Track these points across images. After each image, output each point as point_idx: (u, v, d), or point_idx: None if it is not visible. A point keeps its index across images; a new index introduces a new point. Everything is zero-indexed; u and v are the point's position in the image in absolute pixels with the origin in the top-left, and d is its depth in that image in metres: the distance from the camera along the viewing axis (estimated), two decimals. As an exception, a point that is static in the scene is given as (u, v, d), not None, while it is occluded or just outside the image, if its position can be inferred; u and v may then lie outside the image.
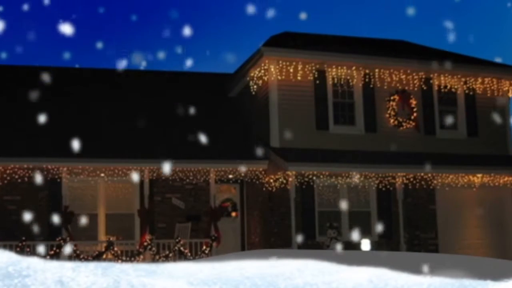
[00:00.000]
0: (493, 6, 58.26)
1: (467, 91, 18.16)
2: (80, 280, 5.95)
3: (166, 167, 14.63)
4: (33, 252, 13.52)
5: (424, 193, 16.84)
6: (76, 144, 15.15)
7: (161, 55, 59.81)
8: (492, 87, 18.31)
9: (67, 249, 13.77)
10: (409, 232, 16.49)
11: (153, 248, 14.48)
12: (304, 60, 16.51)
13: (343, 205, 16.17)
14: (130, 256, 14.37)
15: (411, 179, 16.45)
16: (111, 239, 14.79)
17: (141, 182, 16.08)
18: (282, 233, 15.62)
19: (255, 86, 17.16)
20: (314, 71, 16.66)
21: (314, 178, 15.76)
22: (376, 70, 17.14)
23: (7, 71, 18.12)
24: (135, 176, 15.53)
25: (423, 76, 17.66)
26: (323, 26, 57.90)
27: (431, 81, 17.84)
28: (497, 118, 18.06)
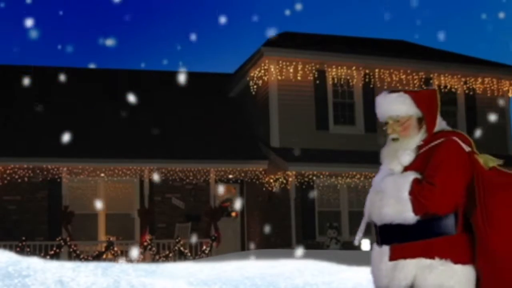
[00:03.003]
0: (494, 6, 58.27)
1: (467, 91, 18.16)
2: (80, 280, 5.96)
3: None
4: (33, 252, 13.52)
5: (424, 193, 16.81)
6: (76, 144, 15.16)
7: (161, 55, 59.81)
8: (492, 87, 18.31)
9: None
10: (409, 232, 16.47)
11: (153, 248, 14.48)
12: (304, 60, 16.51)
13: (343, 205, 16.16)
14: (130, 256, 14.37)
15: (411, 179, 16.41)
16: (111, 239, 14.78)
17: (141, 182, 16.08)
18: (282, 233, 15.61)
19: (255, 86, 17.15)
20: (314, 71, 16.65)
21: (314, 178, 15.75)
22: (376, 70, 17.14)
23: (7, 71, 18.10)
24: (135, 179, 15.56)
25: (423, 76, 17.66)
26: (323, 26, 57.95)
27: (431, 81, 17.84)
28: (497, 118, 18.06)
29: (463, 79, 18.08)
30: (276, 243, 15.60)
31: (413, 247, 2.97)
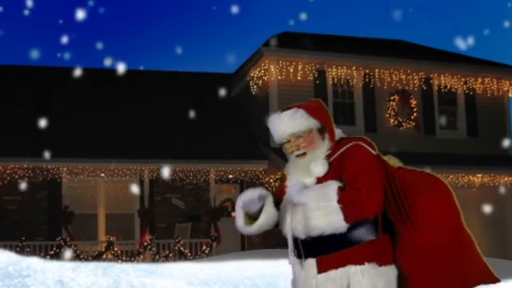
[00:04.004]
0: (493, 6, 58.28)
1: (467, 91, 18.16)
2: (80, 280, 5.96)
3: (165, 171, 14.70)
4: (33, 252, 13.53)
5: (424, 193, 16.79)
6: (76, 144, 15.17)
7: (161, 55, 59.85)
8: (492, 87, 18.31)
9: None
10: (409, 232, 16.47)
11: (153, 248, 14.48)
12: (304, 60, 16.51)
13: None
14: (130, 256, 14.37)
15: (411, 179, 16.41)
16: (111, 239, 14.78)
17: (141, 182, 16.08)
18: (282, 233, 15.59)
19: (255, 86, 17.15)
20: (314, 71, 16.65)
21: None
22: (376, 70, 17.14)
23: (7, 71, 18.11)
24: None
25: (423, 76, 17.66)
26: (323, 26, 57.95)
27: (431, 81, 17.84)
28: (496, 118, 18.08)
29: (463, 79, 18.08)
30: (276, 243, 15.58)
31: (341, 256, 3.00)
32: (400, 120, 17.23)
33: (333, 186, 3.00)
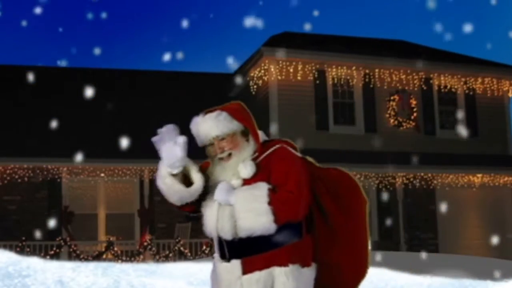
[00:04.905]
0: (493, 5, 58.26)
1: (467, 91, 18.16)
2: (80, 280, 5.96)
3: None
4: (33, 252, 13.52)
5: (424, 193, 16.82)
6: (76, 144, 15.16)
7: (161, 55, 59.80)
8: (492, 87, 18.31)
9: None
10: (409, 232, 16.48)
11: (153, 248, 14.48)
12: (304, 60, 16.50)
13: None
14: (130, 256, 14.37)
15: (411, 179, 16.43)
16: (111, 239, 14.78)
17: (141, 182, 16.08)
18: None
19: (255, 86, 17.15)
20: (314, 71, 16.65)
21: (314, 178, 15.72)
22: (376, 70, 17.13)
23: (7, 71, 18.10)
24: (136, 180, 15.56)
25: (423, 76, 17.66)
26: (323, 26, 57.94)
27: (431, 81, 17.84)
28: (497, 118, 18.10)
29: (463, 79, 18.08)
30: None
31: (266, 257, 3.02)
32: (400, 120, 17.23)
33: (263, 188, 3.01)
